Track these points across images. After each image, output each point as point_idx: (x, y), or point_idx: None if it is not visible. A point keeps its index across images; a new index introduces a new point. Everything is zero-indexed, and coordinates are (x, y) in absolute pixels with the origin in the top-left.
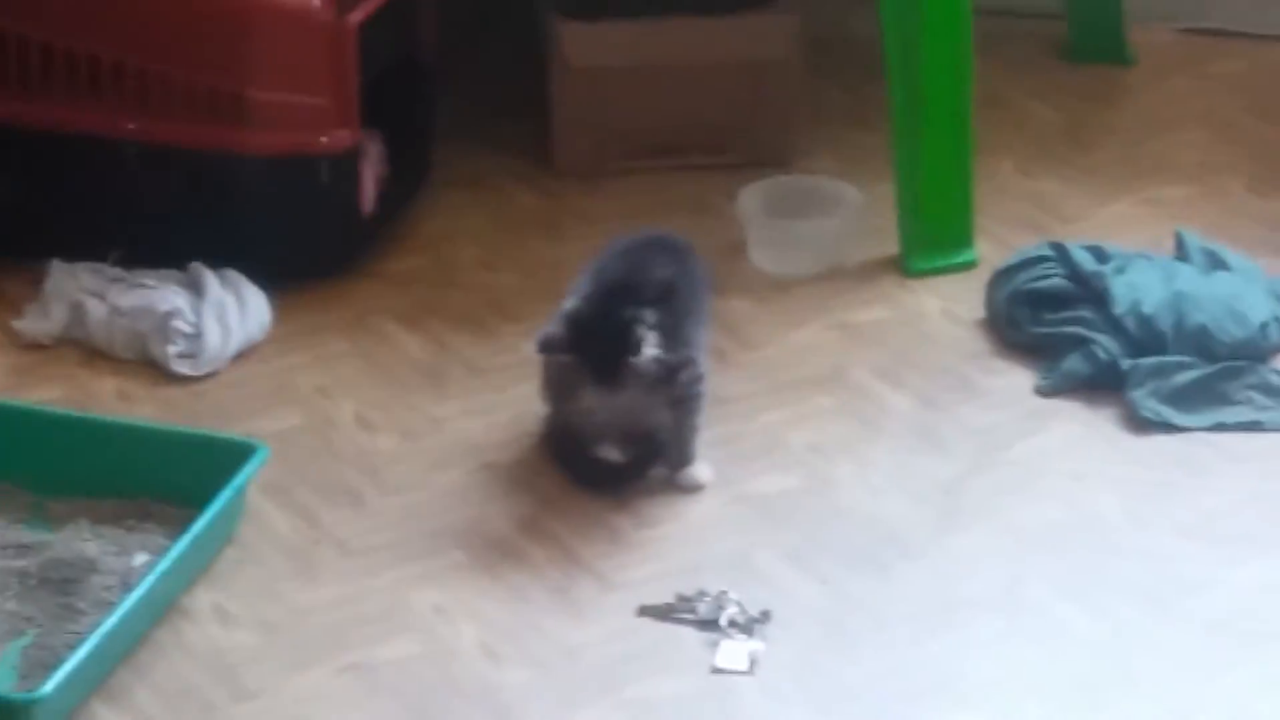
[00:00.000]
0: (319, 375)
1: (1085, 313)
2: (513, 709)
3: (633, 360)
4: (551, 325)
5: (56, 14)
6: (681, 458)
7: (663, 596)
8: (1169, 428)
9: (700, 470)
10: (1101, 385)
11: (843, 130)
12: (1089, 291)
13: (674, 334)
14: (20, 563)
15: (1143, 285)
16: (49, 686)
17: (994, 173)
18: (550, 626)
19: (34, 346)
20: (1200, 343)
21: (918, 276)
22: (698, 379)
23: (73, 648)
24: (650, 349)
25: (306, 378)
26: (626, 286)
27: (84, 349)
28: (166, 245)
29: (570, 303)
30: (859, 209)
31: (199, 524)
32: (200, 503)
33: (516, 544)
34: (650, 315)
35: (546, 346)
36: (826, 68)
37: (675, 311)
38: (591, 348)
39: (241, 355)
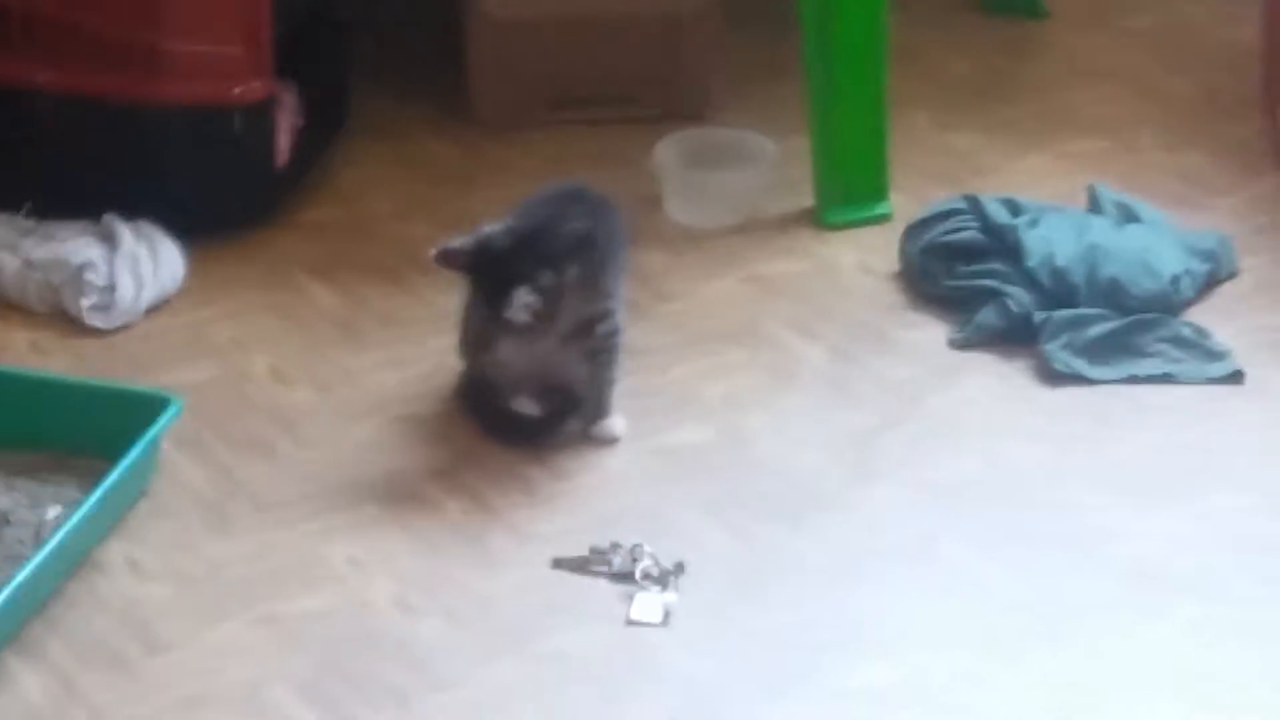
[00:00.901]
0: (233, 328)
1: (999, 265)
2: (427, 661)
3: (504, 315)
4: (461, 239)
5: None
6: (597, 410)
7: (577, 549)
8: (1082, 380)
9: (615, 423)
10: (1015, 338)
11: (759, 83)
12: (1002, 244)
13: (592, 285)
14: None
15: (1056, 238)
16: None
17: (909, 126)
18: (465, 579)
19: None
20: (1112, 295)
21: (833, 229)
22: (615, 331)
23: None
24: (521, 312)
25: (220, 330)
26: (540, 234)
27: None
28: (80, 197)
29: (489, 226)
30: (774, 161)
31: (112, 476)
32: (114, 455)
33: (431, 496)
34: (546, 278)
35: (447, 257)
36: (743, 20)
37: (592, 263)
38: (485, 277)
39: (155, 308)
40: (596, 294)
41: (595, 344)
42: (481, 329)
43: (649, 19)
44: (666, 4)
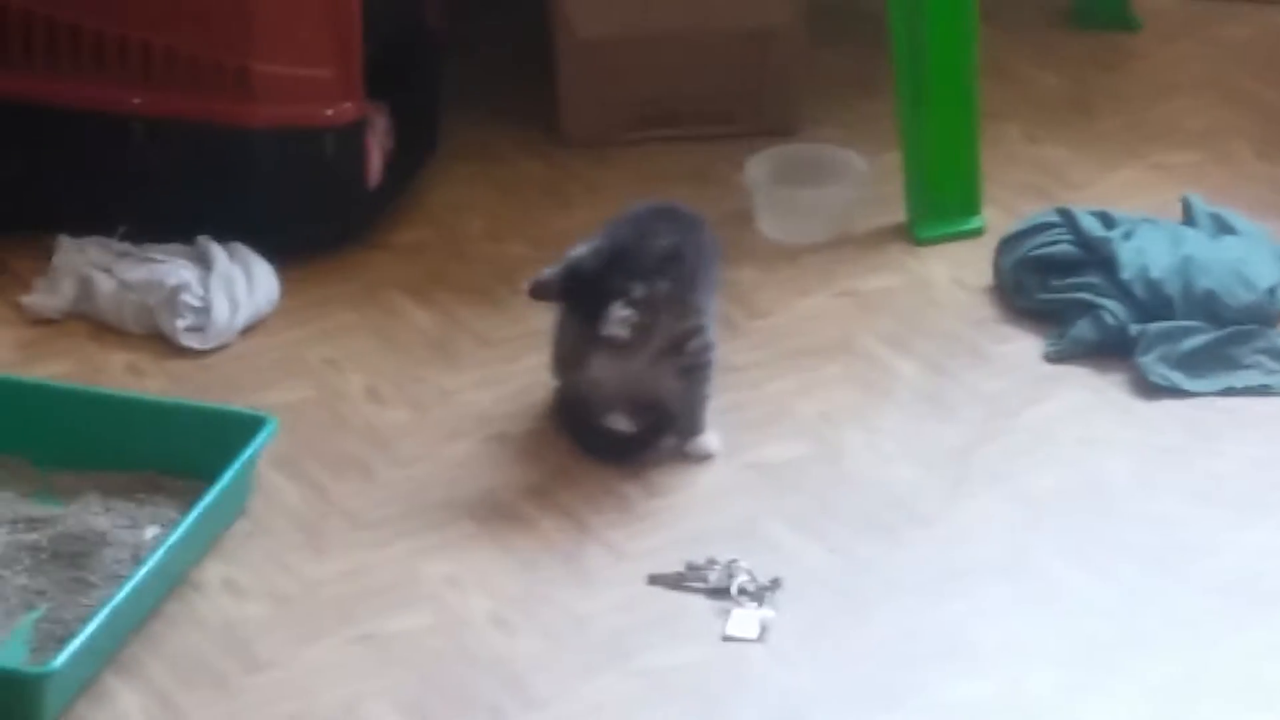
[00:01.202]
0: (327, 348)
1: (1093, 278)
2: (523, 678)
3: (602, 332)
4: (550, 269)
5: None
6: (691, 427)
7: (673, 565)
8: (1177, 393)
9: (710, 439)
10: (1110, 351)
11: (849, 98)
12: (1096, 257)
13: (682, 301)
14: (31, 536)
15: (1150, 250)
16: (61, 660)
17: (1000, 140)
18: (561, 596)
19: (43, 321)
20: (1208, 307)
21: (925, 244)
22: (706, 348)
23: (84, 621)
24: (618, 327)
25: (315, 350)
26: (629, 251)
27: (92, 323)
28: (173, 219)
29: (576, 250)
30: (866, 177)
31: (209, 497)
32: (210, 476)
33: (526, 514)
34: (639, 289)
35: (540, 290)
36: (832, 35)
37: (682, 279)
38: (579, 300)
39: (250, 328)
40: (687, 310)
41: (688, 360)
42: (574, 347)
43: (737, 35)
44: (755, 20)
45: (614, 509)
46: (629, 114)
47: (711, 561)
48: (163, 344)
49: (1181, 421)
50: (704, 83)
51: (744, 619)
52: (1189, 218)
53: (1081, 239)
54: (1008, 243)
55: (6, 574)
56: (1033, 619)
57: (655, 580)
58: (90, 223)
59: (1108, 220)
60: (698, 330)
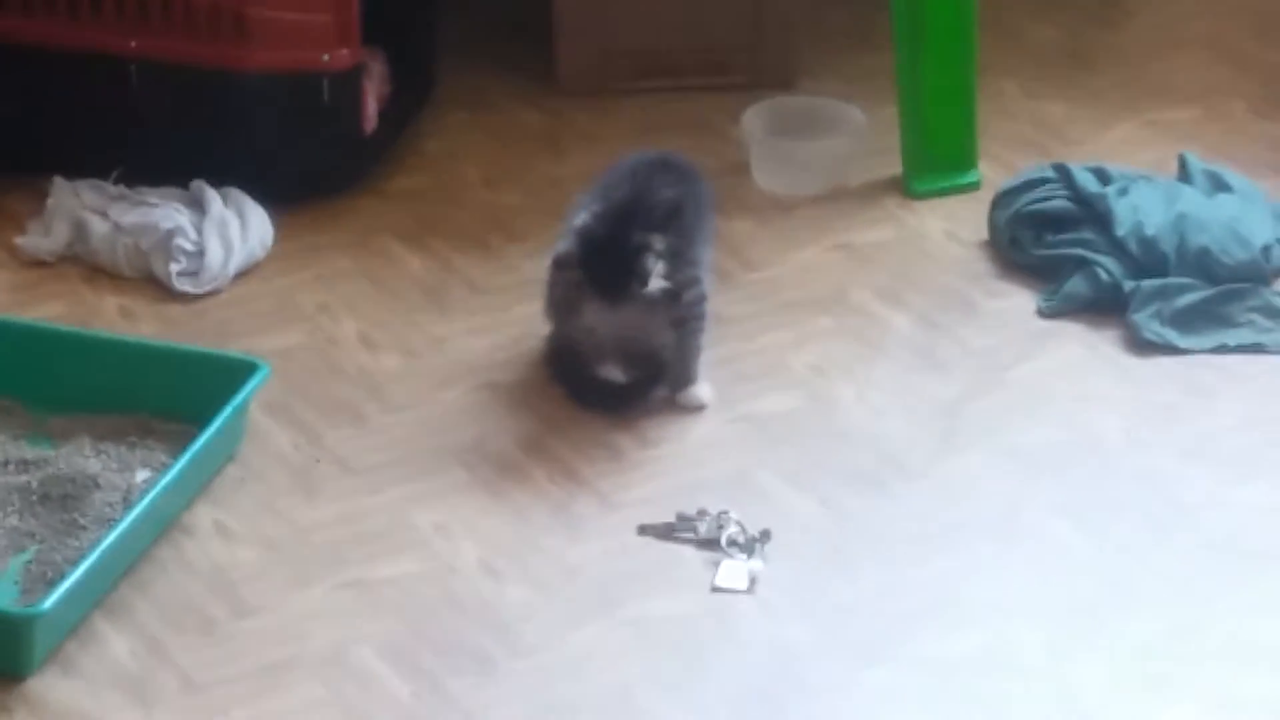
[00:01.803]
0: (321, 293)
1: (1088, 234)
2: (512, 626)
3: (641, 290)
4: (565, 242)
5: None
6: (683, 377)
7: (663, 516)
8: (1171, 350)
9: (702, 390)
10: (1103, 307)
11: (847, 51)
12: (1091, 213)
13: (680, 255)
14: (22, 478)
15: (1145, 207)
16: (50, 601)
17: (997, 94)
18: (551, 545)
19: (36, 263)
20: (1202, 265)
21: (920, 198)
22: (701, 299)
23: (74, 563)
24: (658, 279)
25: (308, 296)
26: (635, 207)
27: (86, 266)
28: (169, 163)
29: (580, 218)
30: (862, 130)
31: (200, 441)
32: (201, 420)
33: (518, 462)
34: (659, 242)
35: (563, 263)
36: None
37: (682, 232)
38: (600, 267)
39: (243, 273)
40: (684, 262)
41: (682, 311)
42: (566, 295)
43: None
44: None
45: (605, 459)
46: (626, 64)
47: (702, 512)
48: (156, 288)
49: (1174, 379)
50: (701, 34)
51: (733, 570)
52: (1185, 175)
53: (1077, 195)
54: (1003, 198)
55: None
56: (1022, 575)
57: (645, 530)
58: (85, 165)
59: (1103, 176)
60: (692, 282)
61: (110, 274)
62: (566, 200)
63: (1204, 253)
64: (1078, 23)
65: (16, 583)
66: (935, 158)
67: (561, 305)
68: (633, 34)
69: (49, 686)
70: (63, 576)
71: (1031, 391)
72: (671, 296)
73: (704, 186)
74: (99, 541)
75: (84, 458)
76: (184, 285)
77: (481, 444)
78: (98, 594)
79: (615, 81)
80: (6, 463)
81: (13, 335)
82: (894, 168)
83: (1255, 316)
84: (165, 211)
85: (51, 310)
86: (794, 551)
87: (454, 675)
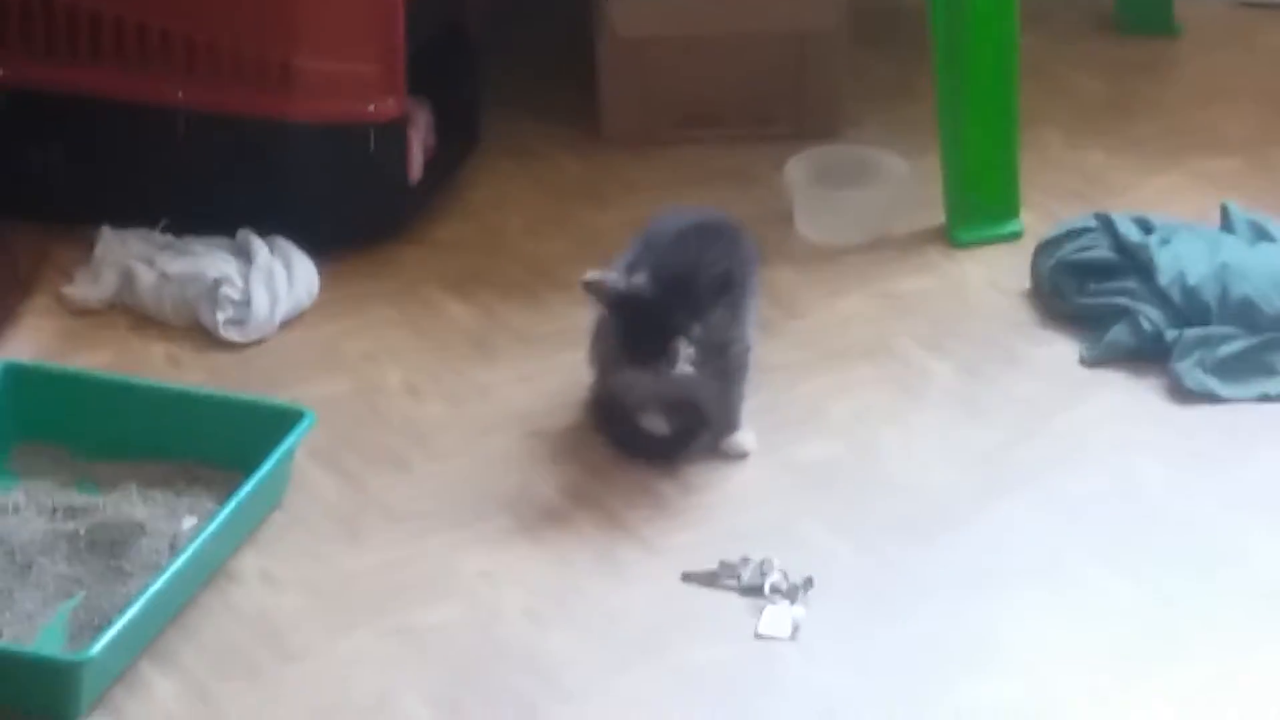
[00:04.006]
0: (366, 342)
1: (1130, 283)
2: (556, 673)
3: (670, 371)
4: (614, 277)
5: None
6: (727, 425)
7: (706, 562)
8: (1213, 399)
9: (745, 437)
10: (1146, 356)
11: (889, 101)
12: (1134, 262)
13: (730, 318)
14: (70, 525)
15: (1188, 256)
16: (97, 647)
17: (1040, 144)
18: (594, 591)
19: (84, 312)
20: (1245, 314)
21: (963, 247)
22: (746, 350)
23: (121, 609)
24: (686, 365)
25: (354, 344)
26: (681, 284)
27: (134, 314)
28: (215, 212)
29: (638, 277)
30: (905, 179)
31: (246, 488)
32: (247, 467)
33: (561, 510)
34: (697, 329)
35: (593, 289)
36: (873, 38)
37: (733, 303)
38: (635, 339)
39: (289, 322)
40: (733, 322)
41: (727, 363)
42: (609, 349)
43: (778, 37)
44: (796, 22)
45: (649, 505)
46: (669, 113)
47: (745, 559)
48: (203, 336)
49: (1216, 427)
50: (745, 83)
51: (776, 617)
52: (1227, 224)
53: (1119, 244)
54: (1046, 247)
55: (45, 562)
56: (1064, 622)
57: (688, 577)
58: (133, 214)
59: (1146, 226)
60: (739, 336)
61: (157, 322)
62: (610, 248)
63: (1246, 302)
64: (1120, 72)
65: (64, 629)
66: (978, 207)
67: (604, 357)
68: (676, 84)
69: None
70: (109, 623)
71: (1074, 439)
72: (718, 349)
73: (749, 245)
74: (145, 588)
75: (131, 505)
76: (230, 333)
77: (525, 491)
78: (144, 640)
79: (659, 131)
80: (54, 510)
81: (61, 383)
82: (936, 217)
83: None
84: (212, 260)
85: (99, 358)
86: (837, 598)
87: None
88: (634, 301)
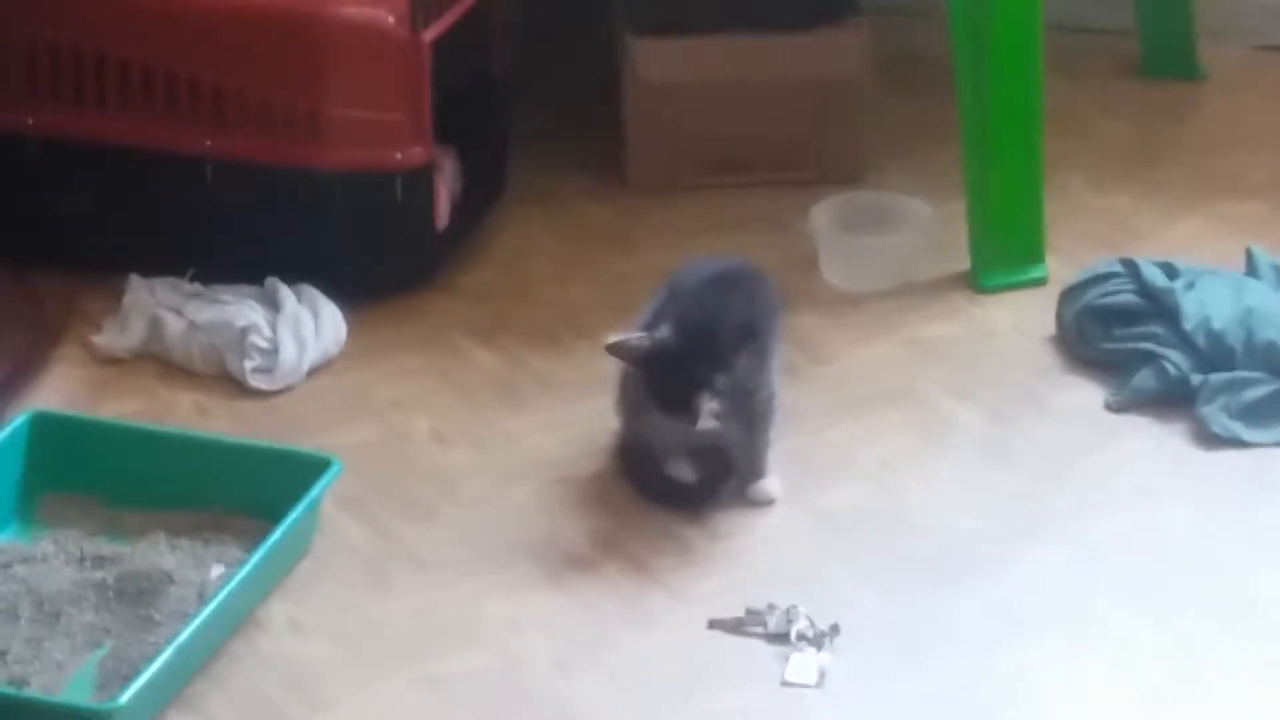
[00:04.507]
0: (393, 389)
1: (1156, 328)
2: None
3: (693, 426)
4: (637, 337)
5: (133, 32)
6: (753, 471)
7: (733, 610)
8: (1239, 443)
9: (771, 484)
10: (1171, 401)
11: (914, 146)
12: (1159, 307)
13: (755, 366)
14: (98, 574)
15: (1212, 301)
16: (125, 697)
17: (1065, 189)
18: (621, 639)
19: (112, 361)
20: (1270, 359)
21: (988, 292)
22: (772, 396)
23: (149, 659)
24: (709, 420)
25: (381, 392)
26: (705, 337)
27: (161, 363)
28: (243, 261)
29: (662, 330)
30: (929, 225)
31: (274, 537)
32: (275, 516)
33: (588, 557)
34: (722, 381)
35: (617, 352)
36: (897, 84)
37: (757, 352)
38: (662, 392)
39: (317, 370)
40: (757, 370)
41: (754, 409)
42: (636, 397)
43: (803, 83)
44: (820, 68)
45: (675, 552)
46: (694, 159)
47: (771, 606)
48: (230, 384)
49: (1242, 472)
50: (770, 129)
51: (802, 664)
52: (1252, 269)
53: (1144, 289)
54: (1071, 292)
55: (73, 611)
56: (1091, 668)
57: (715, 624)
58: (160, 263)
59: (1171, 271)
60: (765, 383)
61: (185, 371)
62: (635, 294)
63: (1272, 346)
64: (1145, 117)
65: (92, 678)
66: (1002, 252)
67: (631, 405)
68: (702, 131)
69: None
70: (137, 672)
71: (1099, 484)
72: (744, 397)
73: (772, 293)
74: (173, 637)
75: (159, 554)
76: (258, 382)
77: (552, 539)
78: (173, 689)
79: (683, 177)
80: (83, 559)
81: (90, 432)
82: (961, 262)
83: None
84: (240, 309)
85: (127, 407)
86: (863, 645)
87: None
88: (659, 359)
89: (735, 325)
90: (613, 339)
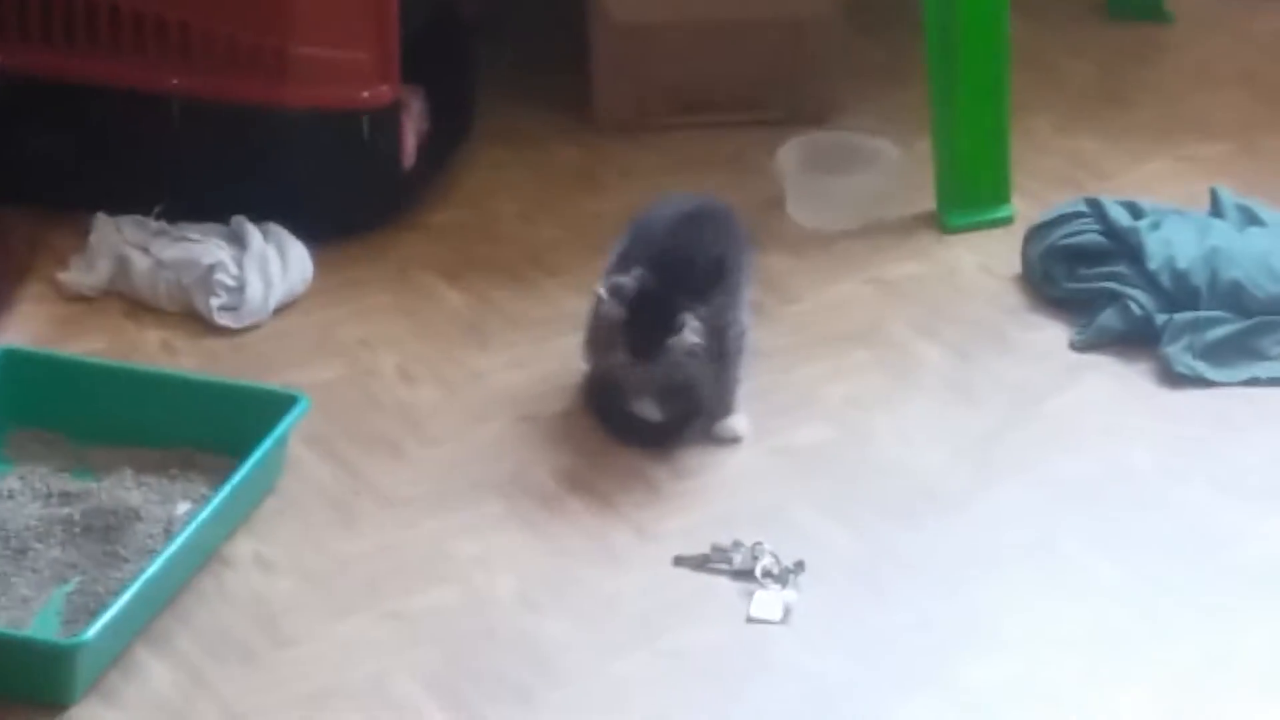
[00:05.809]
0: (360, 328)
1: (1120, 268)
2: (550, 658)
3: (672, 340)
4: (620, 277)
5: None
6: (721, 409)
7: (699, 547)
8: (1203, 383)
9: (738, 422)
10: (1136, 340)
11: (882, 87)
12: (1124, 247)
13: (727, 304)
14: (65, 510)
15: (1177, 241)
16: (92, 631)
17: (1031, 130)
18: (588, 576)
19: (79, 298)
20: (1234, 298)
21: (954, 232)
22: (742, 334)
23: (116, 594)
24: (692, 336)
25: (348, 330)
26: (679, 271)
27: (128, 301)
28: (209, 199)
29: (637, 271)
30: (897, 165)
31: (240, 473)
32: (242, 453)
33: (555, 495)
34: (701, 309)
35: (615, 292)
36: (866, 24)
37: (728, 289)
38: (640, 331)
39: (283, 308)
40: (728, 306)
41: (724, 346)
42: (605, 335)
43: (771, 23)
44: (789, 8)
45: (641, 490)
46: (663, 99)
47: (737, 543)
48: (197, 322)
49: (1206, 411)
50: (738, 69)
51: (767, 601)
52: (1217, 209)
53: (1109, 229)
54: (1036, 232)
55: (40, 547)
56: (1056, 605)
57: (680, 561)
58: (127, 201)
59: (1136, 210)
60: (735, 320)
61: (152, 309)
62: (603, 234)
63: (1236, 286)
64: (1112, 59)
65: (59, 613)
66: (969, 193)
67: (600, 343)
68: (670, 70)
69: (91, 716)
70: (104, 607)
71: (1064, 424)
72: (715, 333)
73: (741, 230)
74: (140, 573)
75: (126, 490)
76: (225, 320)
77: (519, 477)
78: (139, 624)
79: (652, 117)
80: (49, 495)
81: (56, 369)
82: (928, 203)
83: None
84: (206, 247)
85: (94, 344)
86: (828, 582)
87: (493, 705)
88: (641, 299)
89: (708, 260)
90: (605, 286)
